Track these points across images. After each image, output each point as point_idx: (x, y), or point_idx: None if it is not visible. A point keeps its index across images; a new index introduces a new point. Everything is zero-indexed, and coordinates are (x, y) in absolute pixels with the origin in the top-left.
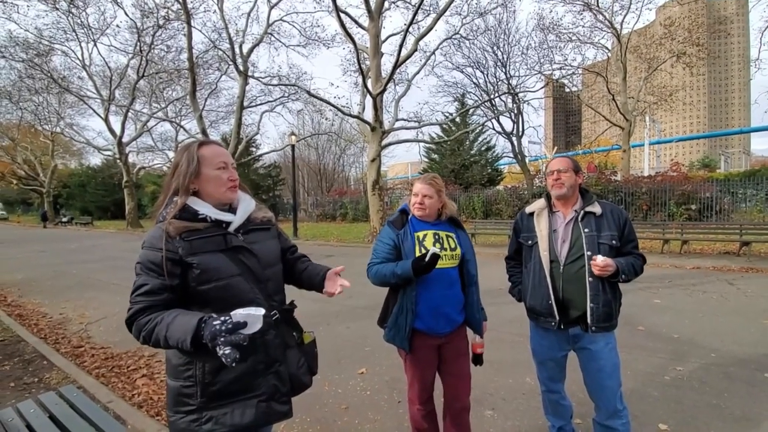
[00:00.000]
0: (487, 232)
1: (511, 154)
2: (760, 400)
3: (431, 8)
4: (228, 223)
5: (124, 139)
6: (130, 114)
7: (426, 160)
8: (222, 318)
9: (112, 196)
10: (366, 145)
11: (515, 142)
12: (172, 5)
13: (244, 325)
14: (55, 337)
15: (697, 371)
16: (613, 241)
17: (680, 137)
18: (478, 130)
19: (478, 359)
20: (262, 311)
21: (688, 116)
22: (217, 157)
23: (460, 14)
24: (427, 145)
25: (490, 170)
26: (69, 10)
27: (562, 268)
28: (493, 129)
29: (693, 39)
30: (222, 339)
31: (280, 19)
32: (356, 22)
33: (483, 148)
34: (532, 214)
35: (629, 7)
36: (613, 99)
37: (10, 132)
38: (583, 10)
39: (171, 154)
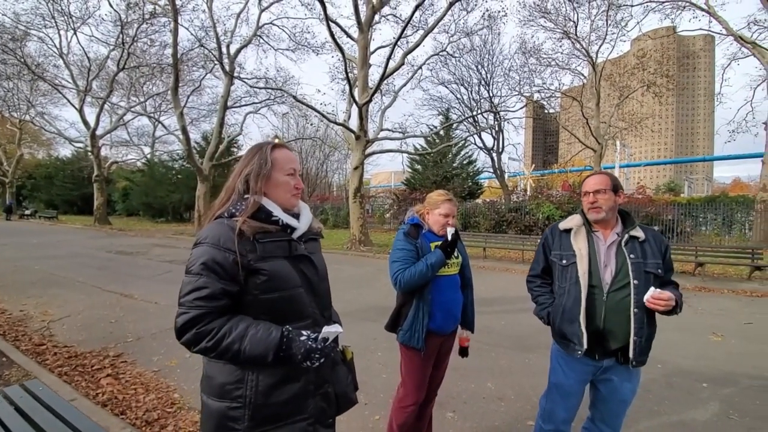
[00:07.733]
0: (464, 243)
1: (491, 169)
2: (696, 407)
3: (420, 24)
4: (293, 230)
5: (98, 132)
6: (106, 106)
7: (409, 170)
8: (306, 333)
9: (80, 189)
10: (350, 152)
11: (495, 158)
12: (159, 0)
13: (326, 339)
14: (15, 334)
15: (642, 381)
16: (659, 270)
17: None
18: (460, 144)
19: (465, 351)
20: (341, 329)
21: (656, 142)
22: (288, 163)
23: (447, 32)
24: (411, 156)
25: (470, 183)
26: None
27: (605, 296)
28: (475, 144)
29: (663, 70)
30: (317, 355)
31: (271, 23)
32: (346, 32)
33: (465, 162)
34: (567, 231)
35: (605, 38)
36: (587, 123)
37: None
38: (563, 38)
39: (147, 150)
